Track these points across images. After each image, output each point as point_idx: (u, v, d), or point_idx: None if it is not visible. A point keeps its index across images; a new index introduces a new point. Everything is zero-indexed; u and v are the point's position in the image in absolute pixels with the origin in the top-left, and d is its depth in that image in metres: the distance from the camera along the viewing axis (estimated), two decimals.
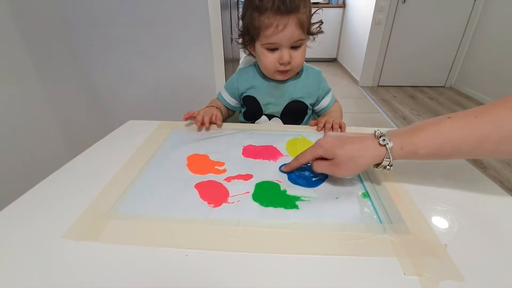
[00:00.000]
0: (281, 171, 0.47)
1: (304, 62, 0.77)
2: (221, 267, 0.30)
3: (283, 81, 0.71)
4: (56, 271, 0.29)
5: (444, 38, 2.93)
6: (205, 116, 0.62)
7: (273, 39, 0.60)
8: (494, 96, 2.55)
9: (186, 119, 0.64)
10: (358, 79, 3.31)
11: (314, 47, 0.68)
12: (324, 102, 0.75)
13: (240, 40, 0.68)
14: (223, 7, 1.53)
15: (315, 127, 0.65)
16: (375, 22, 2.94)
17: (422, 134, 0.38)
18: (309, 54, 0.66)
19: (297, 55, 0.63)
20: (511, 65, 2.39)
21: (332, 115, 0.68)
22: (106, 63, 1.26)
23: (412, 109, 2.58)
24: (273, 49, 0.63)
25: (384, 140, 0.39)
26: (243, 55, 0.83)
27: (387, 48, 3.09)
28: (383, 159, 0.40)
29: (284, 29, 0.58)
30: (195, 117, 0.63)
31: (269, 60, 0.64)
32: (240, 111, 0.81)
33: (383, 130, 0.42)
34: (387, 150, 0.39)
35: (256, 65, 0.74)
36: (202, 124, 0.62)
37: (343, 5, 4.01)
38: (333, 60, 4.51)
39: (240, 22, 0.68)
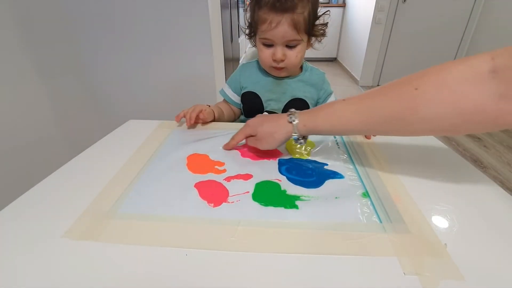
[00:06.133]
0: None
1: (308, 62, 0.77)
2: (221, 267, 0.30)
3: (284, 78, 0.72)
4: (56, 271, 0.29)
5: (445, 37, 2.93)
6: (192, 113, 0.63)
7: (267, 35, 0.61)
8: None
9: (178, 119, 0.65)
10: (358, 79, 3.31)
11: (319, 49, 0.68)
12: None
13: (247, 31, 0.69)
14: (223, 7, 1.53)
15: None
16: (375, 22, 2.94)
17: (320, 114, 0.46)
18: (309, 54, 0.66)
19: (291, 54, 0.63)
20: None
21: None
22: (106, 63, 1.26)
23: None
24: (269, 45, 0.63)
25: (291, 118, 0.47)
26: (243, 55, 0.84)
27: (387, 48, 3.08)
28: (292, 134, 0.48)
29: (277, 27, 0.59)
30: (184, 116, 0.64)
31: (264, 55, 0.65)
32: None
33: (296, 111, 0.49)
34: (293, 126, 0.47)
35: (258, 61, 0.74)
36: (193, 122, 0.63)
37: (343, 5, 4.01)
38: (333, 60, 4.51)
39: (248, 13, 0.69)
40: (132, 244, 0.32)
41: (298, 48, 0.63)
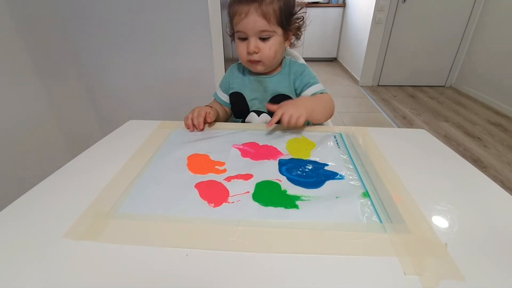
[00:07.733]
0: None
1: (289, 57, 0.77)
2: (221, 267, 0.30)
3: (265, 76, 0.72)
4: (56, 271, 0.29)
5: (444, 37, 2.93)
6: (199, 118, 0.62)
7: (239, 26, 0.63)
8: (494, 95, 2.55)
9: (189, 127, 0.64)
10: (358, 79, 3.31)
11: (298, 46, 0.69)
12: (307, 94, 0.69)
13: (228, 30, 0.70)
14: (223, 7, 1.53)
15: (316, 126, 0.65)
16: (375, 22, 2.94)
17: None
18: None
19: (264, 46, 0.64)
20: (511, 64, 2.38)
21: (297, 103, 0.61)
22: (106, 63, 1.26)
23: (412, 108, 2.57)
24: (243, 39, 0.65)
25: None
26: None
27: (387, 48, 3.08)
28: None
29: (246, 17, 0.60)
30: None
31: (240, 49, 0.66)
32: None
33: None
34: None
35: None
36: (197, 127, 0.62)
37: (343, 5, 4.00)
38: (333, 60, 4.50)
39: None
40: (132, 244, 0.32)
41: (271, 40, 0.64)
